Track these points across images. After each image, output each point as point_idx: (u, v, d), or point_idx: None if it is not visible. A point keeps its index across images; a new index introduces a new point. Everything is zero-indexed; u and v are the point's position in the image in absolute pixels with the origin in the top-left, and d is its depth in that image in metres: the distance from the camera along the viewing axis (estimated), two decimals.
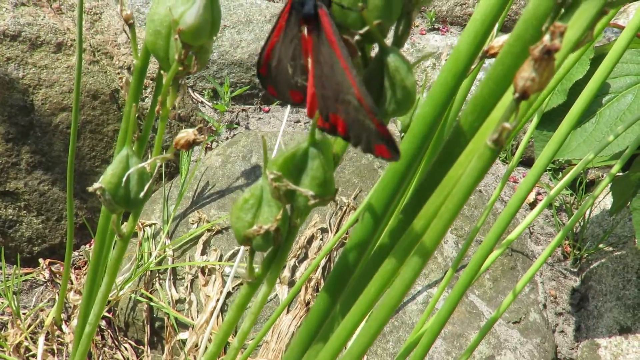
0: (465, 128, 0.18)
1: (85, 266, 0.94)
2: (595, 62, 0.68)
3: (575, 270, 1.03)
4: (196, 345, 0.81)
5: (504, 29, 1.50)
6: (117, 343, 0.87)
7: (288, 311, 0.85)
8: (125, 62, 0.98)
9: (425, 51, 1.27)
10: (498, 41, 0.23)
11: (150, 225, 0.91)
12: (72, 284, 0.92)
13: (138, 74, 0.24)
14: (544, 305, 0.95)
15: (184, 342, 0.84)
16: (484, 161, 0.16)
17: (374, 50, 0.19)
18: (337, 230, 0.91)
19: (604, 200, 1.10)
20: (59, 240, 0.95)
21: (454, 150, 0.18)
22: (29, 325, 0.86)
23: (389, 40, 0.17)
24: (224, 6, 1.21)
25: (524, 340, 0.87)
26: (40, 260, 0.93)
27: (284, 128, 0.90)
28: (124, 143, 0.24)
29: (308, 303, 0.85)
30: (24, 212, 0.91)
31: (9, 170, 0.89)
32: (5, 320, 0.86)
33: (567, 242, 1.06)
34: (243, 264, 0.79)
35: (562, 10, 0.16)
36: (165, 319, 0.84)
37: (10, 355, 0.81)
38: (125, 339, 0.87)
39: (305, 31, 0.18)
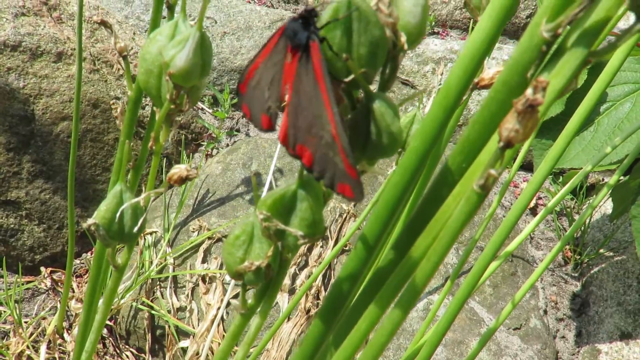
0: (454, 168, 0.18)
1: (87, 274, 0.95)
2: (594, 71, 0.68)
3: (576, 275, 1.03)
4: (197, 354, 0.82)
5: (504, 33, 1.50)
6: (118, 351, 0.88)
7: (289, 319, 0.85)
8: (120, 66, 0.98)
9: (424, 55, 1.27)
10: (488, 73, 0.23)
11: (151, 234, 0.91)
12: (73, 292, 0.92)
13: (132, 104, 0.24)
14: (545, 311, 0.95)
15: (185, 350, 0.84)
16: (471, 205, 0.16)
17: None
18: (337, 238, 0.92)
19: (604, 204, 1.10)
20: (60, 248, 0.95)
21: (442, 189, 0.18)
22: (31, 334, 0.86)
23: (376, 81, 0.17)
24: (224, 12, 1.21)
25: (524, 346, 0.87)
26: (42, 269, 0.93)
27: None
28: (119, 174, 0.24)
29: (309, 311, 0.85)
30: (26, 220, 0.92)
31: (10, 179, 0.89)
32: (7, 329, 0.87)
33: (567, 247, 1.06)
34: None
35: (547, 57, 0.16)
36: (166, 327, 0.84)
37: None
38: (127, 347, 0.88)
39: (290, 59, 0.19)
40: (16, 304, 0.87)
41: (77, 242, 0.97)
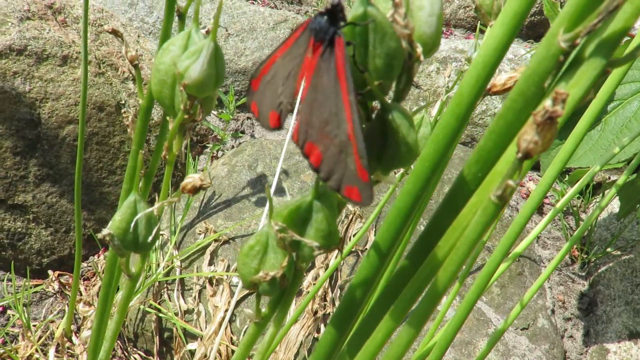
0: (469, 178, 0.18)
1: (94, 277, 0.95)
2: None
3: (583, 274, 1.03)
4: (205, 356, 0.82)
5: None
6: (126, 354, 0.88)
7: (296, 320, 0.85)
8: (130, 73, 0.98)
9: None
10: (500, 79, 0.23)
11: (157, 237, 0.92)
12: (81, 295, 0.92)
13: (144, 113, 0.24)
14: (552, 311, 0.95)
15: (192, 352, 0.84)
16: (488, 215, 0.16)
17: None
18: (344, 239, 0.92)
19: (611, 203, 1.10)
20: (67, 251, 0.95)
21: (458, 199, 0.18)
22: (40, 337, 0.86)
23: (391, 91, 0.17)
24: (228, 14, 1.21)
25: (532, 346, 0.87)
26: (50, 272, 0.94)
27: (289, 136, 0.91)
28: (131, 182, 0.24)
29: (316, 312, 0.85)
30: (33, 224, 0.92)
31: (17, 183, 0.89)
32: (16, 333, 0.87)
33: (574, 246, 1.06)
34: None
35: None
36: (174, 329, 0.84)
37: None
38: (135, 349, 0.88)
39: (311, 53, 0.18)
40: (24, 308, 0.87)
41: (84, 245, 0.97)
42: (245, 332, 0.84)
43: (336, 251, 0.89)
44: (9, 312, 0.90)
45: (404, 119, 0.16)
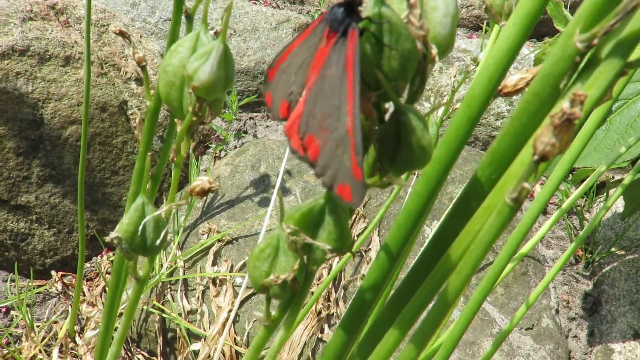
0: (483, 180, 0.18)
1: (97, 277, 0.95)
2: None
3: (588, 274, 1.02)
4: (209, 357, 0.82)
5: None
6: (130, 354, 0.88)
7: (300, 321, 0.85)
8: (132, 73, 0.98)
9: None
10: (511, 80, 0.22)
11: None
12: (84, 295, 0.92)
13: (151, 115, 0.24)
14: (557, 311, 0.94)
15: (196, 353, 0.84)
16: (503, 218, 0.16)
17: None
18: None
19: (615, 202, 1.10)
20: (70, 252, 0.95)
21: (471, 201, 0.18)
22: (43, 338, 0.86)
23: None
24: (230, 14, 1.21)
25: (537, 346, 0.86)
26: (53, 273, 0.94)
27: None
28: (138, 184, 0.24)
29: (320, 313, 0.85)
30: (36, 225, 0.92)
31: (20, 184, 0.89)
32: (19, 333, 0.87)
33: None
34: None
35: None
36: (178, 330, 0.84)
37: None
38: (138, 350, 0.88)
39: (324, 43, 0.18)
40: (28, 308, 0.87)
41: (87, 245, 0.97)
42: (249, 332, 0.84)
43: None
44: (12, 312, 0.90)
45: (418, 121, 0.16)
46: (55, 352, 0.83)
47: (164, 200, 1.00)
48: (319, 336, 0.84)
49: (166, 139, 0.24)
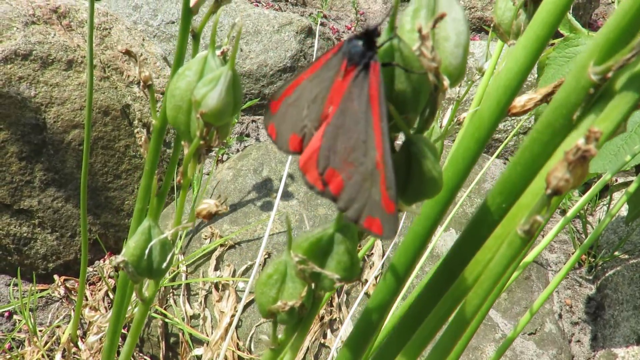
0: (493, 208, 0.17)
1: (100, 282, 0.95)
2: None
3: (591, 278, 1.02)
4: None
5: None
6: (132, 359, 0.88)
7: None
8: (135, 77, 0.98)
9: None
10: (520, 101, 0.22)
11: None
12: (87, 300, 0.92)
13: (157, 134, 0.24)
14: (560, 315, 0.94)
15: (199, 358, 0.84)
16: (514, 249, 0.16)
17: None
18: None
19: (618, 204, 1.09)
20: (73, 256, 0.95)
21: (481, 229, 0.18)
22: (46, 343, 0.86)
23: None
24: (232, 17, 1.21)
25: (540, 351, 0.86)
26: (55, 277, 0.94)
27: None
28: (143, 202, 0.24)
29: (322, 318, 0.85)
30: (39, 229, 0.92)
31: (22, 188, 0.89)
32: (22, 338, 0.87)
33: None
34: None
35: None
36: (180, 334, 0.84)
37: None
38: (141, 354, 0.88)
39: (342, 77, 0.18)
40: (30, 313, 0.87)
41: (90, 249, 0.97)
42: (251, 337, 0.84)
43: None
44: (15, 317, 0.90)
45: (429, 153, 0.16)
46: (58, 356, 0.83)
47: (173, 198, 1.00)
48: (322, 341, 0.84)
49: (172, 157, 0.24)
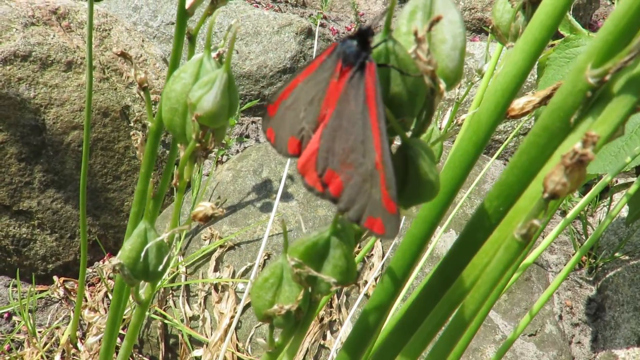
0: (490, 212, 0.17)
1: (99, 283, 0.95)
2: None
3: (591, 279, 1.02)
4: None
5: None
6: None
7: None
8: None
9: None
10: (518, 103, 0.22)
11: None
12: (86, 301, 0.92)
13: (153, 137, 0.24)
14: (560, 316, 0.94)
15: (198, 359, 0.84)
16: (511, 254, 0.16)
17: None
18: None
19: (618, 205, 1.09)
20: (72, 257, 0.95)
21: (477, 233, 0.18)
22: (45, 344, 0.86)
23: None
24: (232, 17, 1.21)
25: (540, 353, 0.86)
26: (55, 278, 0.93)
27: None
28: (140, 205, 0.24)
29: (322, 319, 0.84)
30: (38, 230, 0.92)
31: (22, 189, 0.89)
32: (21, 339, 0.87)
33: None
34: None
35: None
36: (180, 336, 0.84)
37: None
38: (140, 356, 0.88)
39: (338, 78, 0.17)
40: (30, 314, 0.87)
41: (89, 250, 0.97)
42: (251, 339, 0.83)
43: None
44: (14, 318, 0.90)
45: (425, 156, 0.16)
46: (57, 358, 0.83)
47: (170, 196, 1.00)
48: (321, 343, 0.84)
49: (168, 159, 0.24)
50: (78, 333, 0.88)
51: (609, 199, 1.08)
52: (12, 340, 0.86)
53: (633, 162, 0.64)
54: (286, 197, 0.94)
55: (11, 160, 0.87)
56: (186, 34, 0.23)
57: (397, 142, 0.18)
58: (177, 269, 0.88)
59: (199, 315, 0.86)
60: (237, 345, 0.83)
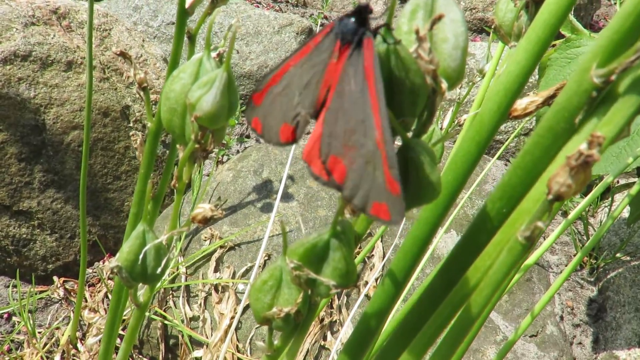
0: (492, 214, 0.17)
1: (99, 283, 0.95)
2: None
3: (592, 280, 1.02)
4: None
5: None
6: None
7: None
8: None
9: None
10: (521, 104, 0.22)
11: None
12: (86, 301, 0.92)
13: (153, 137, 0.24)
14: (561, 317, 0.94)
15: (198, 359, 0.84)
16: (514, 256, 0.16)
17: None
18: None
19: (620, 206, 1.09)
20: (72, 257, 0.95)
21: (480, 235, 0.17)
22: (45, 344, 0.86)
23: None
24: (232, 17, 1.21)
25: (541, 354, 0.86)
26: (55, 278, 0.93)
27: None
28: (139, 206, 0.24)
29: (322, 320, 0.84)
30: (38, 230, 0.92)
31: (22, 189, 0.89)
32: (21, 340, 0.87)
33: None
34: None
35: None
36: (180, 336, 0.84)
37: None
38: (140, 356, 0.87)
39: (336, 58, 0.17)
40: (30, 314, 0.87)
41: (89, 251, 0.97)
42: (251, 339, 0.83)
43: None
44: (14, 318, 0.90)
45: (427, 157, 0.16)
46: (57, 358, 0.83)
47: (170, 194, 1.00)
48: (322, 344, 0.83)
49: (168, 160, 0.24)
50: (78, 333, 0.87)
51: (610, 199, 1.07)
52: (12, 341, 0.85)
53: (635, 163, 0.64)
54: (287, 197, 0.94)
55: (11, 160, 0.87)
56: (186, 34, 0.23)
57: (398, 142, 0.18)
58: (177, 270, 0.88)
59: (199, 316, 0.85)
60: (237, 346, 0.83)
